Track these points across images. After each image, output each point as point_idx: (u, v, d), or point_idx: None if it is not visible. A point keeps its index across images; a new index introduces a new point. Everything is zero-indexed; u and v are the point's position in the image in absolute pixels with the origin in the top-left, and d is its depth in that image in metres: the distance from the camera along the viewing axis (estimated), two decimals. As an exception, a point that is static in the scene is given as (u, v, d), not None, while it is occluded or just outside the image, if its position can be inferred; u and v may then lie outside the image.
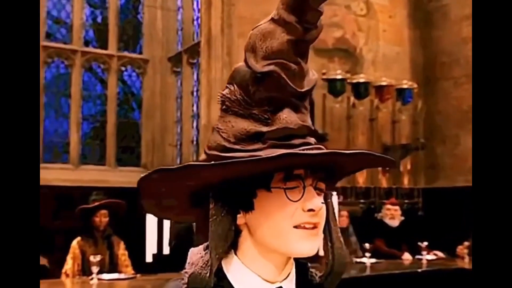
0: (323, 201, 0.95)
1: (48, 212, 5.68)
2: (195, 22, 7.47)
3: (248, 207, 0.94)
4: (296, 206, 0.92)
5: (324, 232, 0.98)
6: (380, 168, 7.40)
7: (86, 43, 7.20)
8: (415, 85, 7.45)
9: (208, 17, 6.61)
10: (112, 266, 4.51)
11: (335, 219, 1.03)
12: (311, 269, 1.05)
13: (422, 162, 7.66)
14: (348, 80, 6.99)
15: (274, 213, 0.92)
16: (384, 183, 7.37)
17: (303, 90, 0.94)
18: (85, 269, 4.35)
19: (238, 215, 0.95)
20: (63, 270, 4.38)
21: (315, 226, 0.94)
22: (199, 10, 7.27)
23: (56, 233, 5.42)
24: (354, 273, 5.10)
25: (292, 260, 0.99)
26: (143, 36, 7.54)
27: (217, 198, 0.94)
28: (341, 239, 1.03)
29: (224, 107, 0.94)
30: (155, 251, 4.31)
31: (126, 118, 7.47)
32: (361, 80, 7.04)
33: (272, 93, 0.91)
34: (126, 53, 7.44)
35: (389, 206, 6.32)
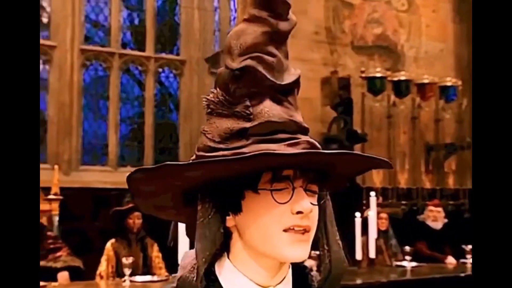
0: (315, 203, 0.92)
1: (87, 214, 5.79)
2: (232, 22, 7.48)
3: (236, 209, 0.92)
4: (285, 209, 0.90)
5: (320, 234, 0.97)
6: (423, 169, 7.25)
7: (124, 46, 7.29)
8: (459, 82, 7.25)
9: (244, 17, 6.59)
10: (146, 268, 4.55)
11: (333, 221, 0.99)
12: (311, 273, 1.02)
13: (469, 162, 7.45)
14: (389, 78, 6.86)
15: (262, 215, 0.90)
16: (427, 184, 7.21)
17: (283, 83, 0.92)
18: (119, 271, 4.40)
19: (228, 217, 0.93)
20: (98, 272, 4.45)
21: (305, 230, 0.91)
22: (236, 10, 7.27)
23: (94, 235, 5.52)
24: (394, 277, 5.00)
25: (288, 263, 0.96)
26: (180, 37, 7.59)
27: (205, 199, 0.92)
28: (339, 242, 0.99)
29: (208, 110, 0.94)
30: (188, 253, 4.32)
31: (163, 120, 7.54)
32: (402, 78, 6.91)
33: (251, 88, 0.91)
34: (163, 55, 7.51)
35: (431, 208, 6.17)
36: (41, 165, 6.09)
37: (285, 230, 0.90)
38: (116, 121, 7.01)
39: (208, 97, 0.94)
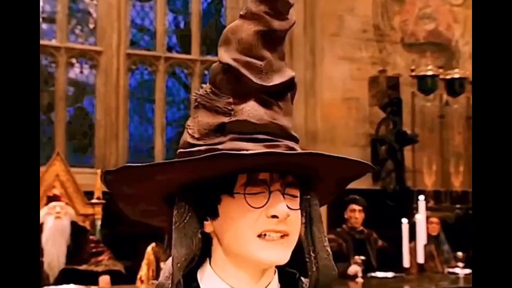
0: (295, 208, 0.90)
1: (130, 219, 5.87)
2: (277, 22, 7.44)
3: (213, 214, 0.92)
4: (260, 213, 0.88)
5: (306, 241, 0.95)
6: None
7: (169, 49, 7.38)
8: (519, 79, 6.95)
9: (290, 16, 6.56)
10: (185, 272, 4.58)
11: (320, 227, 0.97)
12: (301, 279, 0.98)
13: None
14: (441, 76, 6.65)
15: (237, 220, 0.89)
16: (484, 186, 6.93)
17: (269, 84, 0.90)
18: (159, 275, 4.45)
19: (206, 222, 0.93)
20: (138, 276, 4.51)
21: (284, 235, 0.89)
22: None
23: (136, 239, 5.60)
24: (445, 284, 4.86)
25: (273, 269, 0.95)
26: (225, 39, 7.61)
27: (180, 203, 0.91)
28: (328, 248, 0.97)
29: (195, 104, 0.94)
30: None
31: (210, 122, 7.56)
32: (456, 76, 6.68)
33: (236, 85, 0.90)
34: (209, 57, 7.55)
35: (488, 212, 5.94)
36: (88, 170, 6.24)
37: (260, 236, 0.88)
38: (162, 124, 7.09)
39: (197, 92, 0.94)
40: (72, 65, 6.71)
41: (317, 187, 0.96)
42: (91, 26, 6.88)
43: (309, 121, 6.04)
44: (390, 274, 4.81)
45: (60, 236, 4.30)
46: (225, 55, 0.91)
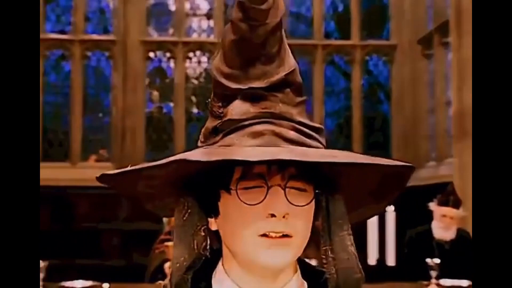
0: (300, 204, 0.85)
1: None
2: (447, -5, 6.89)
3: (214, 211, 0.90)
4: (257, 211, 0.84)
5: (323, 240, 0.90)
6: None
7: (327, 36, 7.27)
8: None
9: (458, -15, 6.03)
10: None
11: (343, 224, 0.90)
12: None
13: None
14: None
15: (233, 219, 0.87)
16: None
17: (251, 86, 0.88)
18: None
19: (210, 219, 0.91)
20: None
21: (285, 235, 0.84)
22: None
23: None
24: None
25: (293, 267, 0.90)
26: (389, 19, 7.26)
27: (180, 200, 0.91)
28: (351, 248, 0.90)
29: (208, 109, 0.95)
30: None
31: (373, 112, 7.34)
32: None
33: (221, 90, 0.91)
34: (370, 41, 7.28)
35: None
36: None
37: (260, 236, 0.85)
38: (321, 116, 7.04)
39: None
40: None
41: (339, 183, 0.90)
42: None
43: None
44: None
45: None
46: (214, 61, 0.92)
